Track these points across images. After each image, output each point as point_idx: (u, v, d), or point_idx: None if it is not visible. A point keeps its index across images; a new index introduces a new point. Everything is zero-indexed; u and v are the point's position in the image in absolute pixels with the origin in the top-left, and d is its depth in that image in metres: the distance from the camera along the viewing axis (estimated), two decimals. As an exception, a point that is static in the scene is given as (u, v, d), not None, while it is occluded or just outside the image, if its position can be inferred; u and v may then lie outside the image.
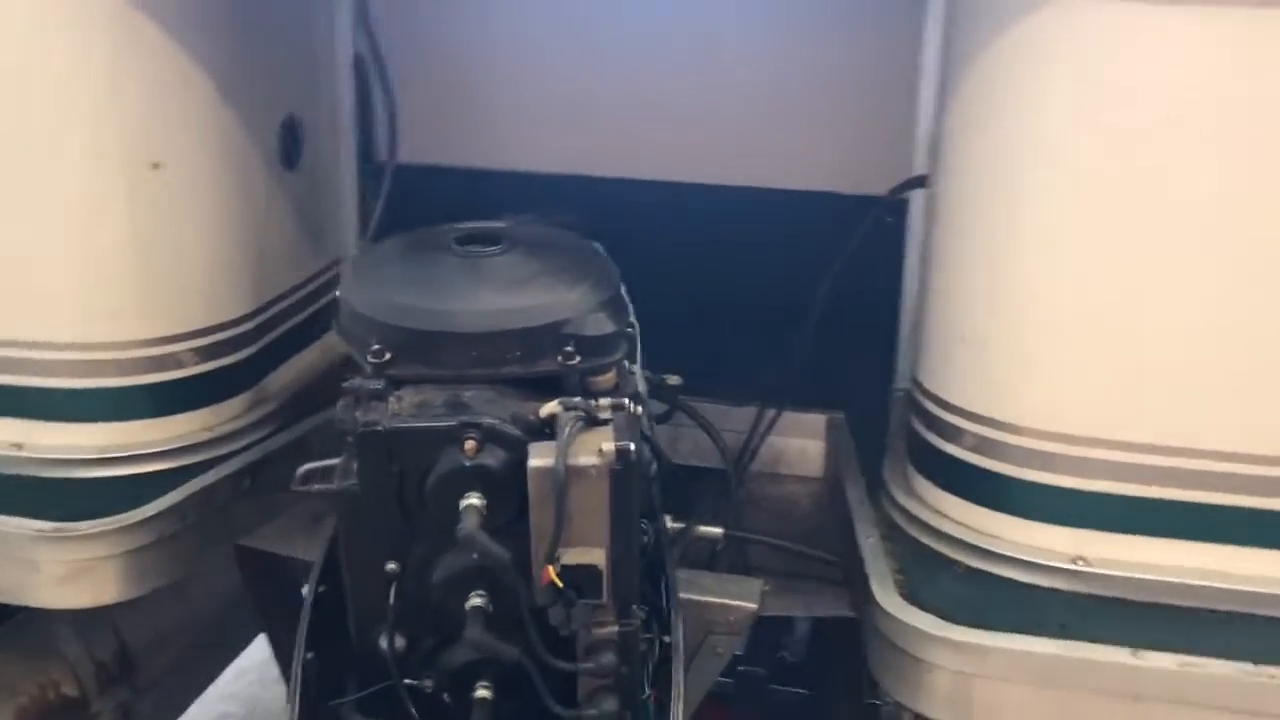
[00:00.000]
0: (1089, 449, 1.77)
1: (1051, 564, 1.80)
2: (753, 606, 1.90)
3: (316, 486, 2.26)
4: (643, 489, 1.41)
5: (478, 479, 1.38)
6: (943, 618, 1.76)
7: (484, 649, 1.40)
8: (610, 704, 1.42)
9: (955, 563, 1.86)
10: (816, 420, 2.49)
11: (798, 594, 2.08)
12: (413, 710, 1.49)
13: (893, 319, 2.35)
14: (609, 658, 1.40)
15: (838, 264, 2.25)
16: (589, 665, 1.40)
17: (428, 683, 1.51)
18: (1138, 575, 1.76)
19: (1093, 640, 1.69)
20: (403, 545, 1.45)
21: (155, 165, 2.02)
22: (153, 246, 2.03)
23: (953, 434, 1.89)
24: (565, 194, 2.43)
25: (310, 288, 2.49)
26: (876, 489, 2.10)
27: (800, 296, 2.31)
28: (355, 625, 1.50)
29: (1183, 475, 1.73)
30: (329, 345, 2.61)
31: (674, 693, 1.49)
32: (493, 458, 1.38)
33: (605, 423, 1.38)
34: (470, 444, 1.38)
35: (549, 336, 1.48)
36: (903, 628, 1.76)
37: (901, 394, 2.38)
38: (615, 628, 1.40)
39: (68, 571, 2.01)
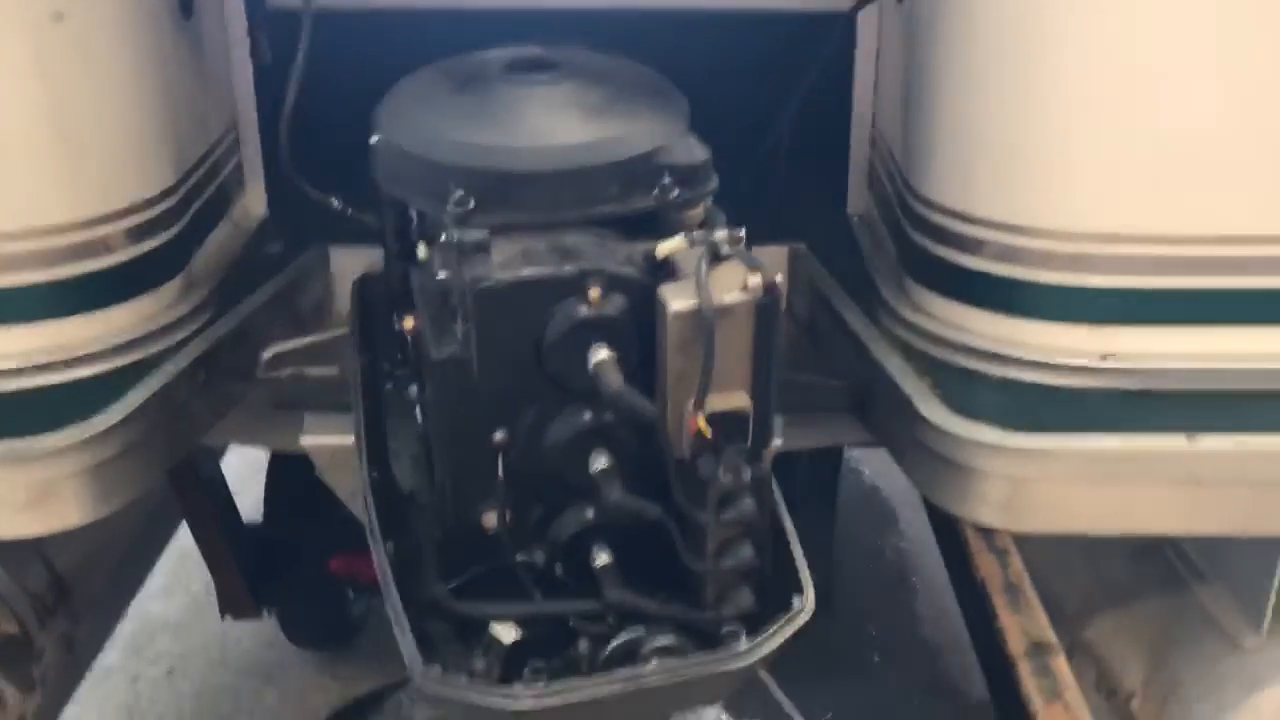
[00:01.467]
0: (1114, 245, 1.77)
1: (1081, 364, 1.82)
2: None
3: (288, 371, 2.09)
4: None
5: (604, 330, 1.26)
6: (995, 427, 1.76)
7: (625, 510, 1.30)
8: (747, 552, 1.35)
9: (986, 375, 1.86)
10: (778, 252, 2.43)
11: (811, 426, 2.05)
12: (532, 587, 1.37)
13: (843, 143, 2.30)
14: (749, 504, 1.33)
15: (801, 88, 2.17)
16: (731, 515, 1.32)
17: (539, 556, 1.39)
18: (1167, 365, 1.80)
19: (1143, 431, 1.73)
20: (511, 411, 1.32)
21: (58, 15, 1.72)
22: (69, 111, 1.75)
23: (974, 246, 1.86)
24: (499, 29, 2.23)
25: (217, 154, 2.24)
26: (870, 313, 2.07)
27: (752, 124, 2.22)
28: (453, 504, 1.36)
29: (1204, 263, 1.76)
30: (239, 219, 2.38)
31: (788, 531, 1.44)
32: (615, 306, 1.26)
33: (727, 257, 1.27)
34: (595, 292, 1.25)
35: (644, 168, 1.35)
36: (959, 441, 1.75)
37: (859, 218, 2.36)
38: (752, 473, 1.32)
39: (28, 496, 1.77)
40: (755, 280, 1.24)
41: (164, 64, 1.96)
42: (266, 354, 2.03)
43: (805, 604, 1.37)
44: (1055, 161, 1.77)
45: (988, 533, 1.73)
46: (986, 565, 1.63)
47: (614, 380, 1.23)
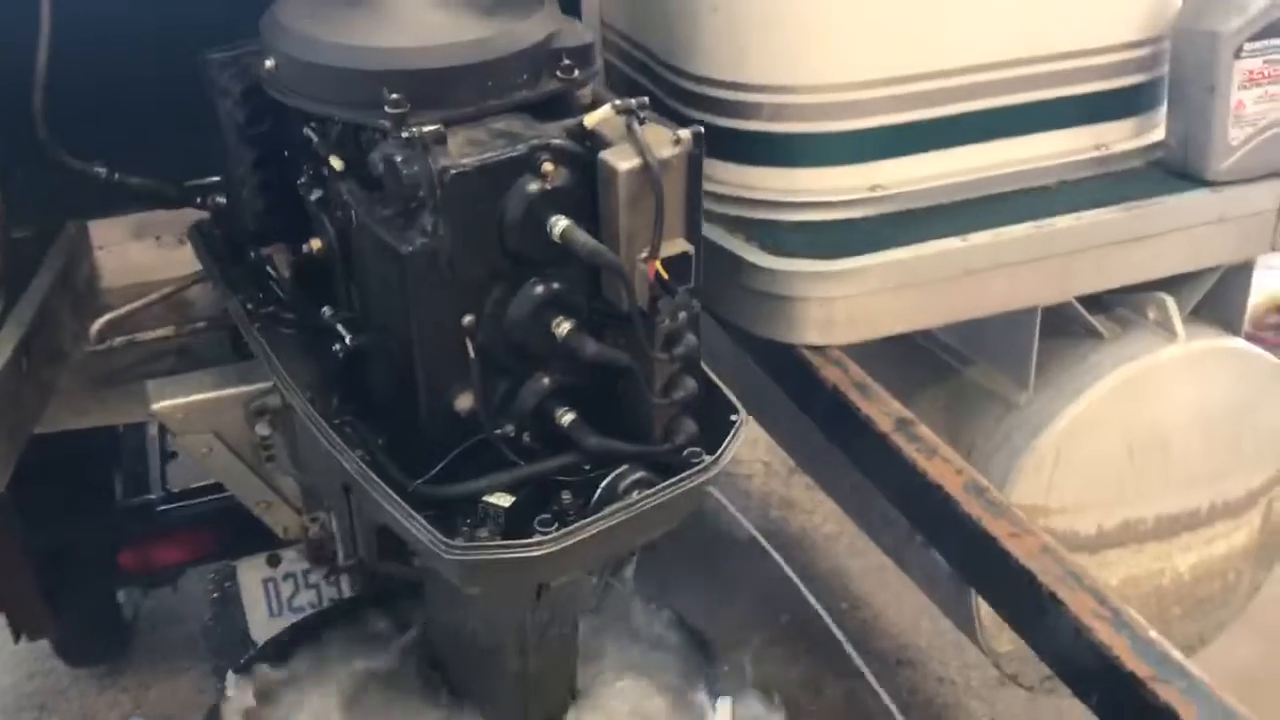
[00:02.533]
0: (870, 90, 2.09)
1: (856, 198, 2.14)
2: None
3: (118, 340, 2.01)
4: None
5: (559, 201, 1.38)
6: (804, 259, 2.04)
7: (601, 360, 1.44)
8: (691, 384, 1.54)
9: (785, 220, 2.13)
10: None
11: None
12: (514, 458, 1.49)
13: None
14: (692, 339, 1.51)
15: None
16: (680, 350, 1.49)
17: (509, 429, 1.50)
18: (924, 185, 2.16)
19: (925, 240, 2.06)
20: (476, 294, 1.42)
21: None
22: None
23: (752, 111, 2.12)
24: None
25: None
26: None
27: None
28: (426, 395, 1.44)
29: (945, 94, 2.12)
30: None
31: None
32: (564, 177, 1.39)
33: (644, 121, 1.43)
34: (549, 166, 1.37)
35: (547, 53, 1.47)
36: (778, 276, 2.02)
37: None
38: (693, 310, 1.50)
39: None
40: (686, 134, 1.41)
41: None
42: (98, 324, 1.95)
43: (742, 415, 1.57)
44: (813, 23, 2.05)
45: (818, 352, 2.00)
46: (831, 373, 1.91)
47: (586, 240, 1.36)
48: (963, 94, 2.13)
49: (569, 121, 1.45)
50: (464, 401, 1.47)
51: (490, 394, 1.49)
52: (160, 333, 1.99)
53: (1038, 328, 2.16)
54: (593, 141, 1.42)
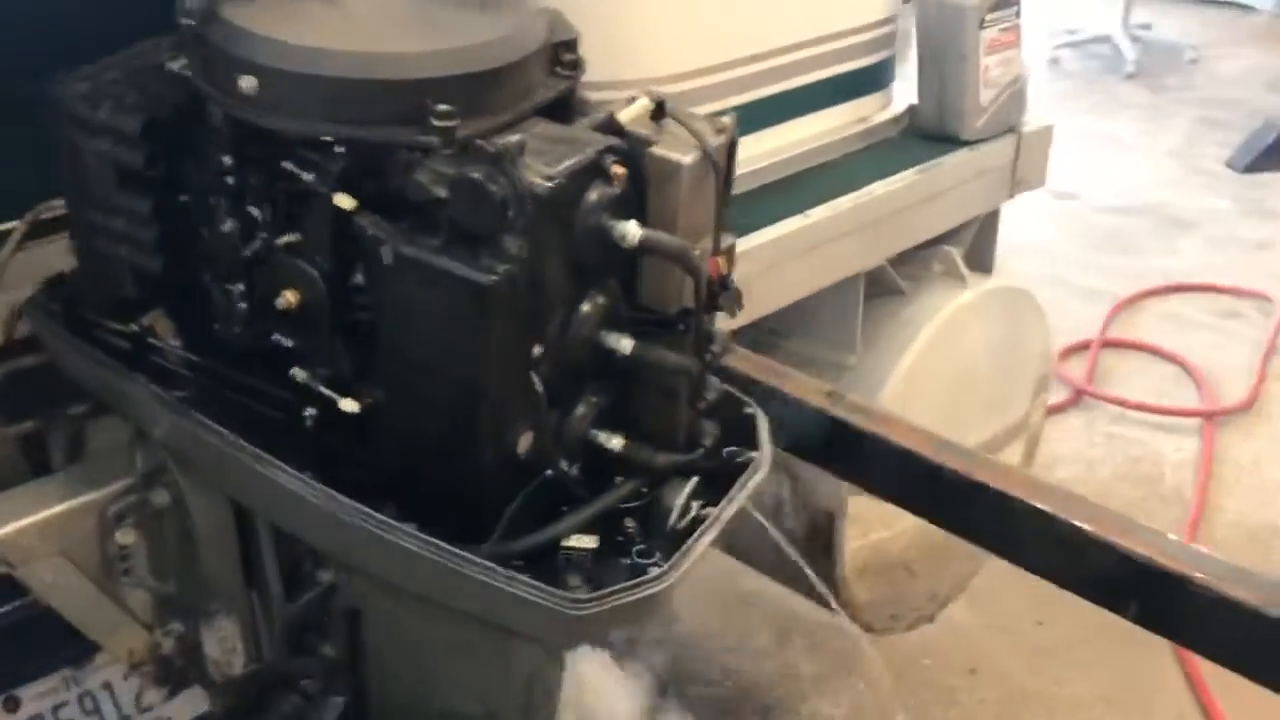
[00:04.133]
0: (685, 82, 2.11)
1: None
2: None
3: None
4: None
5: (624, 204, 1.28)
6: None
7: (676, 365, 1.34)
8: (716, 383, 1.48)
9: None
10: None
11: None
12: (583, 492, 1.35)
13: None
14: (725, 334, 1.45)
15: None
16: (718, 348, 1.43)
17: (563, 464, 1.37)
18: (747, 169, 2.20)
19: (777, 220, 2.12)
20: (542, 319, 1.27)
21: None
22: None
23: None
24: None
25: None
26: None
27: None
28: (490, 439, 1.28)
29: (745, 80, 2.18)
30: None
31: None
32: (624, 178, 1.28)
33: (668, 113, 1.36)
34: (618, 168, 1.25)
35: (551, 51, 1.35)
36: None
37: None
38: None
39: None
40: (728, 121, 1.35)
41: None
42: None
43: (757, 409, 1.54)
44: (631, 23, 2.03)
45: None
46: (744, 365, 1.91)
47: (670, 240, 1.27)
48: (740, 86, 2.19)
49: (596, 120, 1.33)
50: (525, 442, 1.31)
51: (546, 430, 1.34)
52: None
53: (861, 294, 2.29)
54: (631, 138, 1.32)
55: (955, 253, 2.41)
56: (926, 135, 2.46)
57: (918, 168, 2.32)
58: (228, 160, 1.34)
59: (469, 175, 1.16)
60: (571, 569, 1.32)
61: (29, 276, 1.71)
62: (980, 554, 2.61)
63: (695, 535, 1.34)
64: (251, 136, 1.30)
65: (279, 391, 1.41)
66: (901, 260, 2.41)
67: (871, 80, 2.46)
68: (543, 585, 1.24)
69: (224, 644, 1.77)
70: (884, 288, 2.38)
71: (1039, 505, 1.61)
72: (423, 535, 1.27)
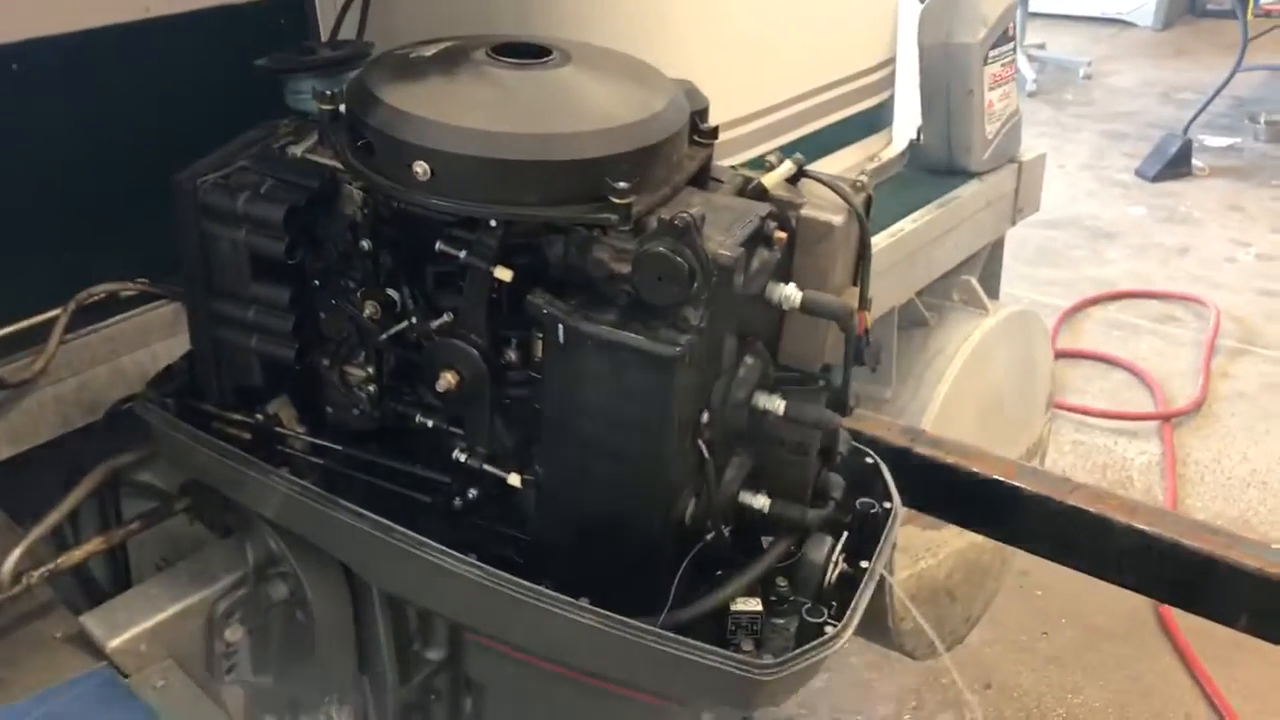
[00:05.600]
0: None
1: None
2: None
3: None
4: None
5: (781, 267, 1.30)
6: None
7: (826, 422, 1.36)
8: (846, 437, 1.51)
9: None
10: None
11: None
12: (735, 554, 1.37)
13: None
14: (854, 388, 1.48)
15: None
16: (853, 404, 1.46)
17: (718, 527, 1.38)
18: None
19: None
20: (708, 388, 1.28)
21: None
22: None
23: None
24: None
25: None
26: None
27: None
28: (661, 508, 1.28)
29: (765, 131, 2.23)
30: None
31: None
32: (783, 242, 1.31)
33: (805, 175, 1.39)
34: (781, 233, 1.28)
35: (695, 122, 1.37)
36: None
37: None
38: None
39: None
40: (865, 178, 1.38)
41: None
42: (5, 568, 1.43)
43: (878, 459, 1.57)
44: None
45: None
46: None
47: (829, 300, 1.29)
48: (764, 135, 2.24)
49: (737, 185, 1.35)
50: (690, 508, 1.32)
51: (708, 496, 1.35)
52: (89, 548, 1.51)
53: (895, 328, 2.34)
54: (776, 203, 1.34)
55: (975, 282, 2.49)
56: (932, 169, 2.54)
57: (936, 202, 2.39)
58: (366, 245, 1.33)
59: (656, 249, 1.17)
60: (741, 633, 1.33)
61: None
62: (1003, 571, 2.69)
63: (860, 590, 1.36)
64: (397, 220, 1.29)
65: (424, 473, 1.40)
66: (922, 292, 2.47)
67: (878, 119, 2.52)
68: (732, 654, 1.25)
69: (332, 732, 1.73)
70: (910, 320, 2.44)
71: (1138, 525, 1.67)
72: (601, 610, 1.27)
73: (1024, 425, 2.62)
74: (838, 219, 1.32)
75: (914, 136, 2.61)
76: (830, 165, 2.42)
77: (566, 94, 1.28)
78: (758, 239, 1.26)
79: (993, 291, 2.67)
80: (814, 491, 1.49)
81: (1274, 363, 4.54)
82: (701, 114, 1.39)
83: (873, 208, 1.41)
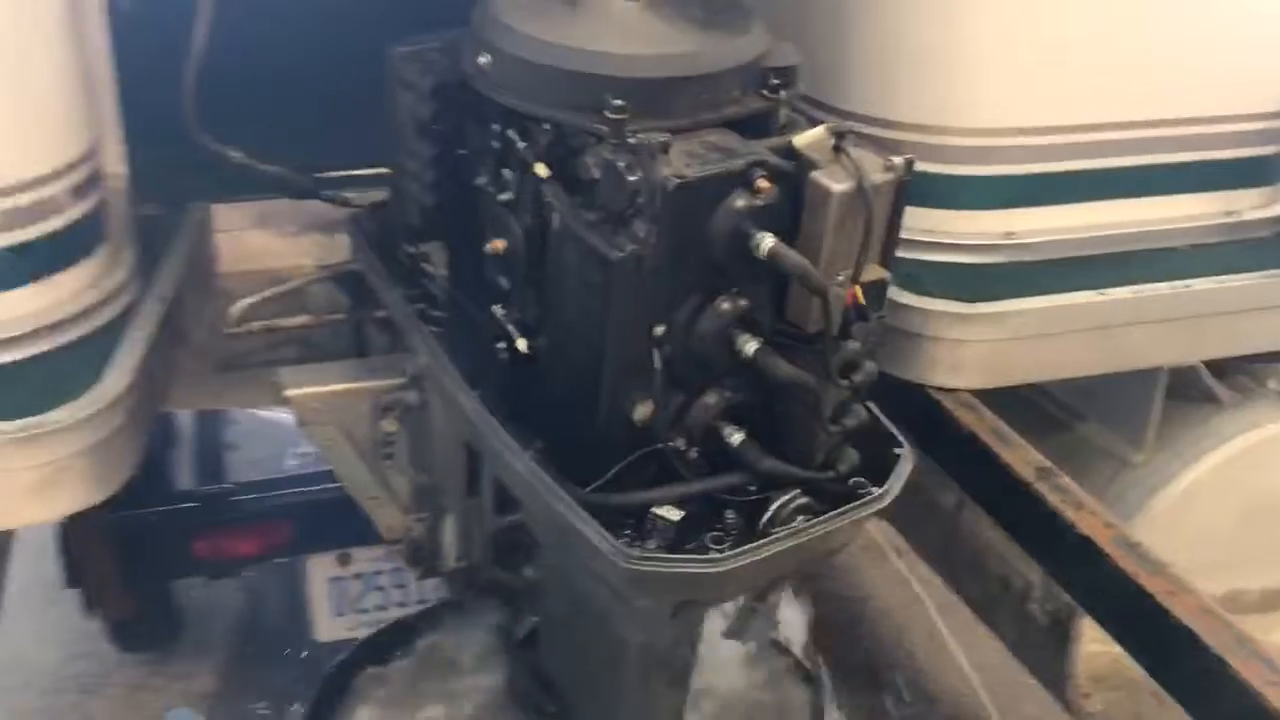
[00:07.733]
0: (1015, 138, 2.09)
1: (989, 243, 2.13)
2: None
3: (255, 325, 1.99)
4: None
5: (766, 217, 1.38)
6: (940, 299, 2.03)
7: (792, 380, 1.42)
8: (862, 412, 1.52)
9: (922, 260, 2.12)
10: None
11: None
12: (685, 471, 1.47)
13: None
14: (871, 367, 1.50)
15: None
16: (860, 377, 1.48)
17: (680, 442, 1.49)
18: (1056, 237, 2.15)
19: (1059, 292, 2.06)
20: (669, 305, 1.41)
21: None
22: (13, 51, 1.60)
23: (894, 149, 2.11)
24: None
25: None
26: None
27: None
28: (607, 401, 1.43)
29: (1089, 147, 2.12)
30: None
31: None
32: (774, 195, 1.38)
33: (850, 145, 1.43)
34: (764, 183, 1.36)
35: (758, 71, 1.47)
36: (915, 314, 2.01)
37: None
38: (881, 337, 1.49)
39: (39, 479, 1.63)
40: (899, 161, 1.41)
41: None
42: (235, 310, 1.93)
43: (906, 449, 1.56)
44: (967, 66, 2.05)
45: (946, 394, 1.99)
46: (966, 417, 1.89)
47: (796, 258, 1.35)
48: (1102, 150, 2.13)
49: (775, 140, 1.44)
50: (641, 411, 1.45)
51: (666, 406, 1.47)
52: (294, 321, 1.97)
53: (1162, 388, 2.15)
54: (800, 161, 1.41)
55: (1297, 373, 2.20)
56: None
57: (1262, 272, 2.14)
58: (474, 127, 1.60)
59: (613, 162, 1.33)
60: (655, 534, 1.45)
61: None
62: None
63: (767, 540, 1.42)
64: (495, 109, 1.56)
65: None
66: (1226, 369, 2.23)
67: (1250, 173, 2.28)
68: (605, 533, 1.38)
69: (446, 540, 2.07)
70: (1199, 392, 2.22)
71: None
72: (532, 464, 1.46)
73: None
74: (838, 187, 1.37)
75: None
76: (1163, 208, 2.26)
77: (637, 20, 1.46)
78: (733, 180, 1.36)
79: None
80: (826, 460, 1.55)
81: None
82: (780, 71, 1.48)
83: (906, 189, 1.42)
